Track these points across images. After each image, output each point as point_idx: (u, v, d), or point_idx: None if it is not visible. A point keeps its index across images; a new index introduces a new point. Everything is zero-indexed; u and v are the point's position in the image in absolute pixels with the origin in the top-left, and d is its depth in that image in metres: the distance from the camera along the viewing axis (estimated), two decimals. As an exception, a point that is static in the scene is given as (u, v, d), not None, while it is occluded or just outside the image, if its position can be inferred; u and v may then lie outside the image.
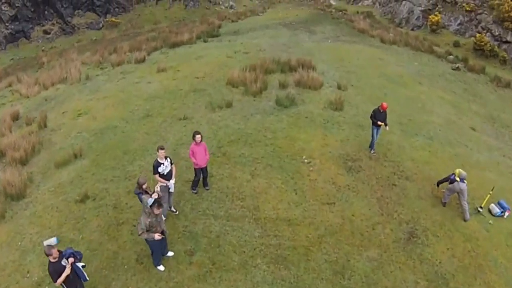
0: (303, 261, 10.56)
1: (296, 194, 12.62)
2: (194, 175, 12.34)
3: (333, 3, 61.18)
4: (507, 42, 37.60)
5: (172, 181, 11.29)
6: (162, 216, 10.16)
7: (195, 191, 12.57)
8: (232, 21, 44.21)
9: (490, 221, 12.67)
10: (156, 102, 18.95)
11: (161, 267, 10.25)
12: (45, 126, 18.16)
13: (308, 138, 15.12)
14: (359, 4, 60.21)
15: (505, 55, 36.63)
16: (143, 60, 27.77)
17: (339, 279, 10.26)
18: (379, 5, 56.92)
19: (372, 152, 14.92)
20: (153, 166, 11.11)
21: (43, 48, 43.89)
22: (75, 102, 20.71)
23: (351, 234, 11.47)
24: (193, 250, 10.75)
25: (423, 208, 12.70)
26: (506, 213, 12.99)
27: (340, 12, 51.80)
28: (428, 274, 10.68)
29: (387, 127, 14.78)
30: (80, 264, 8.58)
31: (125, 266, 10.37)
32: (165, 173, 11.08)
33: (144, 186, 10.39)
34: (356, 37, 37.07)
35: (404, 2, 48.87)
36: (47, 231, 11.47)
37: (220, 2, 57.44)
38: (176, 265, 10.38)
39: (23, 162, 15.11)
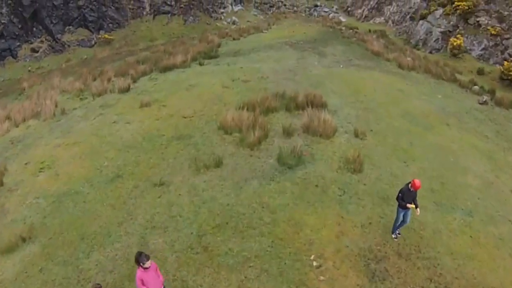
0: None
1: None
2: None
3: (342, 20, 58.06)
4: (538, 71, 34.27)
5: None
6: None
7: None
8: (234, 39, 40.86)
9: None
10: (131, 154, 15.52)
11: None
12: (2, 184, 14.88)
13: (319, 223, 11.57)
14: (371, 21, 57.07)
15: None
16: (127, 89, 24.40)
17: None
18: (393, 23, 53.76)
19: (394, 237, 11.54)
20: None
21: (29, 68, 40.95)
22: (42, 149, 17.33)
23: None
24: None
25: None
26: None
27: (351, 30, 48.38)
28: None
29: (418, 210, 11.33)
30: None
31: None
32: None
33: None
34: (370, 60, 33.68)
35: (421, 21, 45.53)
36: None
37: (222, 17, 54.37)
38: None
39: None
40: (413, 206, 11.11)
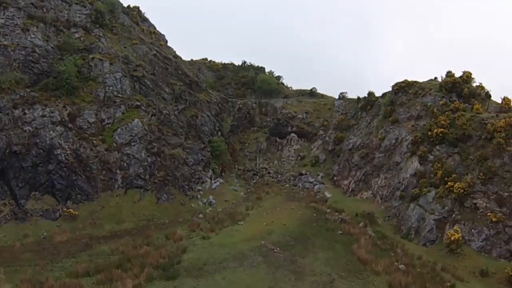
0: None
1: None
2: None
3: (328, 195, 56.61)
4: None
5: None
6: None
7: None
8: (203, 237, 37.62)
9: None
10: None
11: None
12: None
13: None
14: (358, 196, 55.56)
15: None
16: None
17: None
18: (381, 199, 51.92)
19: None
20: None
21: None
22: None
23: None
24: None
25: None
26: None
27: (336, 214, 45.94)
28: None
29: None
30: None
31: None
32: None
33: None
34: (355, 278, 29.87)
35: (412, 205, 43.51)
36: None
37: (198, 196, 52.30)
38: None
39: None
40: None
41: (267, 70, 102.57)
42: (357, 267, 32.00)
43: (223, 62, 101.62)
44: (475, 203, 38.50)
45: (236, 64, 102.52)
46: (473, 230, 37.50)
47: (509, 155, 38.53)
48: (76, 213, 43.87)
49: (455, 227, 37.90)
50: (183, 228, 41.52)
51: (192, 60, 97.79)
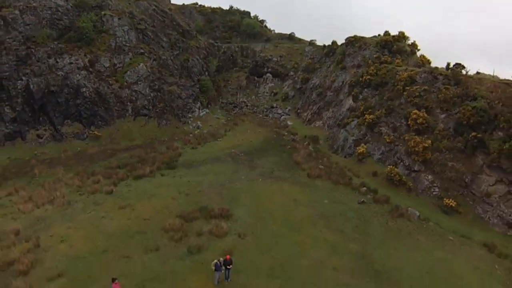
0: None
1: None
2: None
3: (289, 123, 74.73)
4: (415, 171, 48.82)
5: None
6: None
7: None
8: (193, 147, 56.69)
9: None
10: (113, 240, 30.26)
11: None
12: (39, 246, 29.15)
13: (199, 277, 26.36)
14: (312, 125, 73.74)
15: (411, 184, 47.21)
16: (111, 192, 39.47)
17: None
18: (327, 127, 70.26)
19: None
20: None
21: (35, 152, 54.32)
22: (59, 229, 31.92)
23: None
24: None
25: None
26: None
27: (291, 136, 64.80)
28: None
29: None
30: None
31: None
32: None
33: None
34: (288, 171, 48.98)
35: (342, 130, 61.94)
36: None
37: (189, 122, 70.50)
38: None
39: (26, 273, 25.91)
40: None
41: (252, 14, 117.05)
42: (292, 166, 51.12)
43: (212, 6, 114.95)
44: (380, 130, 56.27)
45: (224, 8, 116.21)
46: (375, 147, 55.29)
47: (404, 98, 55.43)
48: (99, 134, 61.39)
49: (364, 145, 56.40)
50: (178, 143, 59.92)
51: (183, 4, 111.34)
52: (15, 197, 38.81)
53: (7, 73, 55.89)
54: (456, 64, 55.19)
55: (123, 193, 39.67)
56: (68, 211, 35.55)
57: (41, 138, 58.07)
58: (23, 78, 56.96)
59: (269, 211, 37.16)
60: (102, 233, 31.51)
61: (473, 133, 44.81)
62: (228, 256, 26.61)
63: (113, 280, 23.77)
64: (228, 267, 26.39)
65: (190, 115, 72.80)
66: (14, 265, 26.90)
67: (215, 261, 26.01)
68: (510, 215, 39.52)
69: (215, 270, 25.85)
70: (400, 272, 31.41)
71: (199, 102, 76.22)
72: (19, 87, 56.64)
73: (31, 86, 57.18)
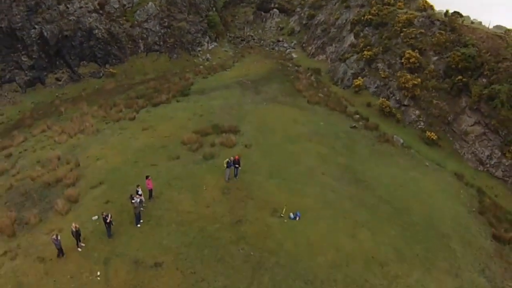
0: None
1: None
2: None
3: (294, 56, 79.50)
4: (404, 105, 55.00)
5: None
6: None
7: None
8: (203, 77, 62.48)
9: (285, 220, 30.14)
10: (141, 154, 36.99)
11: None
12: (79, 165, 35.92)
13: (212, 178, 33.25)
14: (315, 58, 78.49)
15: (400, 117, 53.57)
16: (133, 118, 45.80)
17: None
18: (330, 61, 75.01)
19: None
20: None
21: (57, 94, 60.08)
22: (93, 150, 38.47)
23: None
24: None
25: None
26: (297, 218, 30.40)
27: (295, 67, 70.18)
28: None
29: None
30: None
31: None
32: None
33: (133, 196, 28.06)
34: (290, 97, 54.95)
35: (342, 64, 67.13)
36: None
37: (199, 55, 75.57)
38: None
39: (73, 184, 32.86)
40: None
41: None
42: (294, 93, 56.95)
43: None
44: (377, 65, 61.20)
45: None
46: (371, 81, 60.58)
47: (401, 38, 59.62)
48: (114, 71, 66.21)
49: (361, 79, 61.63)
50: (190, 73, 65.23)
51: None
52: (49, 132, 44.38)
53: (19, 24, 58.70)
54: (454, 12, 58.88)
55: (144, 118, 45.96)
56: (99, 137, 41.78)
57: (60, 80, 62.77)
58: (36, 26, 59.91)
59: (271, 127, 43.64)
60: (131, 149, 38.05)
61: (460, 77, 49.89)
62: (237, 157, 33.37)
63: (147, 177, 30.14)
64: (236, 166, 33.19)
65: (199, 49, 77.55)
66: (62, 181, 33.16)
67: (227, 159, 32.72)
68: (482, 153, 45.80)
69: (227, 167, 32.60)
70: (378, 182, 37.93)
71: (207, 37, 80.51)
72: (33, 35, 59.84)
73: (45, 34, 60.49)
